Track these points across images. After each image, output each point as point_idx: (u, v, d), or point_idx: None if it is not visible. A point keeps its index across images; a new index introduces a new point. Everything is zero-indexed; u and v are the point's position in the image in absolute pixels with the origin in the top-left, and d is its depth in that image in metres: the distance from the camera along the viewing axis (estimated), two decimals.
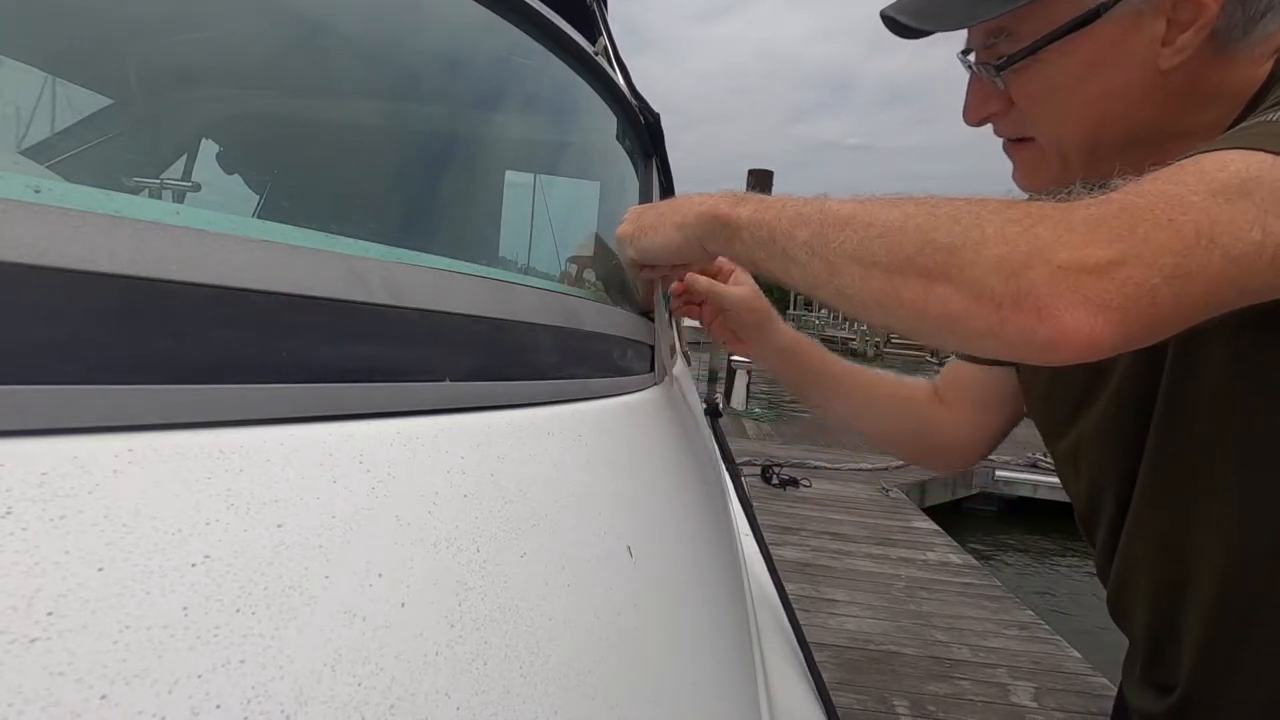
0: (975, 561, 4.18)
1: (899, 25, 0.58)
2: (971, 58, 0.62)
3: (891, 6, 0.59)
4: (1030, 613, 3.47)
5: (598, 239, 0.78)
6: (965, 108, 0.63)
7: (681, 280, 0.77)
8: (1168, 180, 0.41)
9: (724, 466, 1.11)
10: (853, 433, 0.92)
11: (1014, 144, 0.62)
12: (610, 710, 0.33)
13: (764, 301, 0.79)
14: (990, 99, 0.61)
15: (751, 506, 1.15)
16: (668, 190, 1.06)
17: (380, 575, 0.24)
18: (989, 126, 0.63)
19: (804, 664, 0.80)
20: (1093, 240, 0.38)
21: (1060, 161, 0.59)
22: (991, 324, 0.40)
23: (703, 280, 0.76)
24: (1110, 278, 0.38)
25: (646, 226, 0.63)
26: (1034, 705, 2.61)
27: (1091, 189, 0.43)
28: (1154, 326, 0.39)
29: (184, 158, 1.14)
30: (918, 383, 0.88)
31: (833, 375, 0.84)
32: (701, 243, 0.58)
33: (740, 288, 0.77)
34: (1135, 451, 0.62)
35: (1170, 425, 0.58)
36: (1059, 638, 3.19)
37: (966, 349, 0.45)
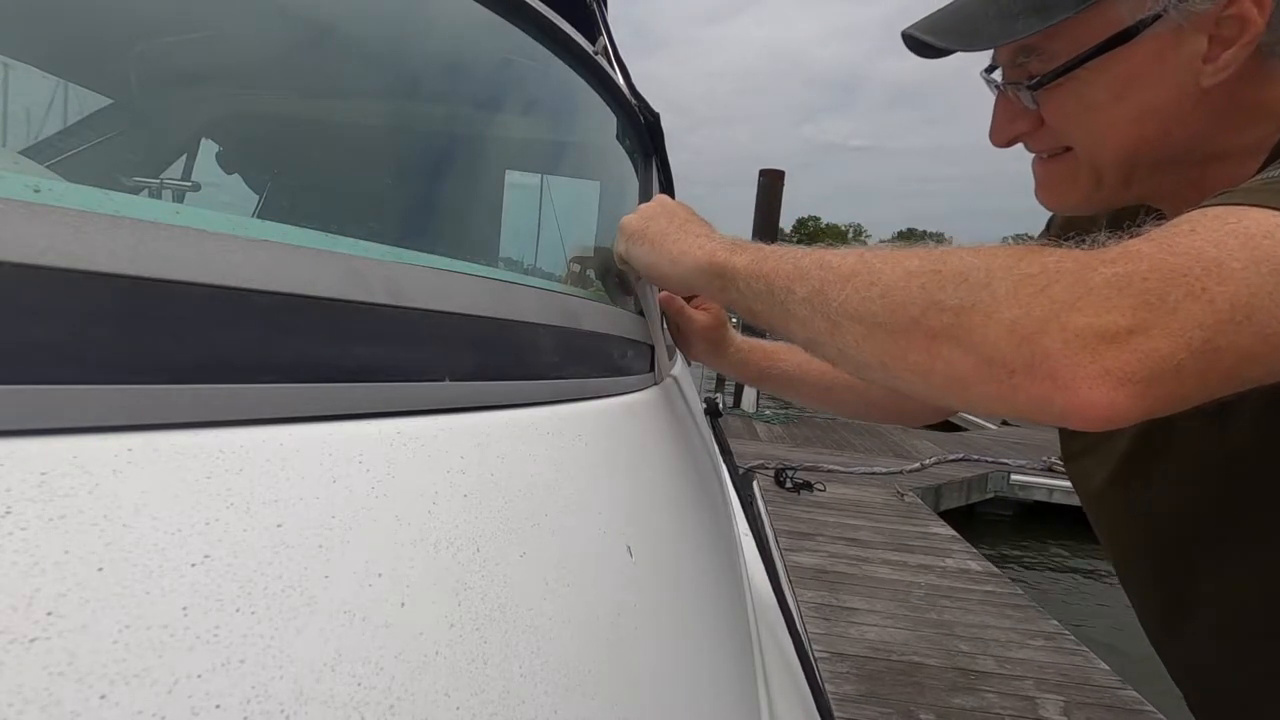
0: (995, 569, 4.13)
1: (923, 45, 0.56)
2: (997, 76, 0.60)
3: (915, 26, 0.57)
4: (1055, 622, 3.41)
5: (599, 240, 0.78)
6: (992, 128, 0.60)
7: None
8: (1206, 238, 0.37)
9: (724, 467, 1.11)
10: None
11: (1045, 161, 0.60)
12: (610, 710, 0.33)
13: (722, 330, 0.83)
14: (1019, 119, 0.58)
15: (755, 505, 1.15)
16: (668, 190, 1.06)
17: (380, 575, 0.24)
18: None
19: (802, 665, 0.80)
20: (1115, 305, 0.35)
21: (1094, 179, 0.57)
22: (1002, 390, 0.38)
23: (675, 302, 0.80)
24: (1132, 349, 0.35)
25: (650, 237, 0.60)
26: None
27: (1119, 235, 0.40)
28: (1176, 402, 0.36)
29: (184, 158, 1.14)
30: None
31: (783, 371, 0.87)
32: (688, 285, 0.57)
33: (704, 315, 0.81)
34: (1137, 480, 0.62)
35: (1181, 480, 0.58)
36: (1085, 649, 3.13)
37: (974, 412, 0.44)
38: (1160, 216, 0.64)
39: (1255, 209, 0.38)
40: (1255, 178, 0.44)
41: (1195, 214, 0.40)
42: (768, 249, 0.52)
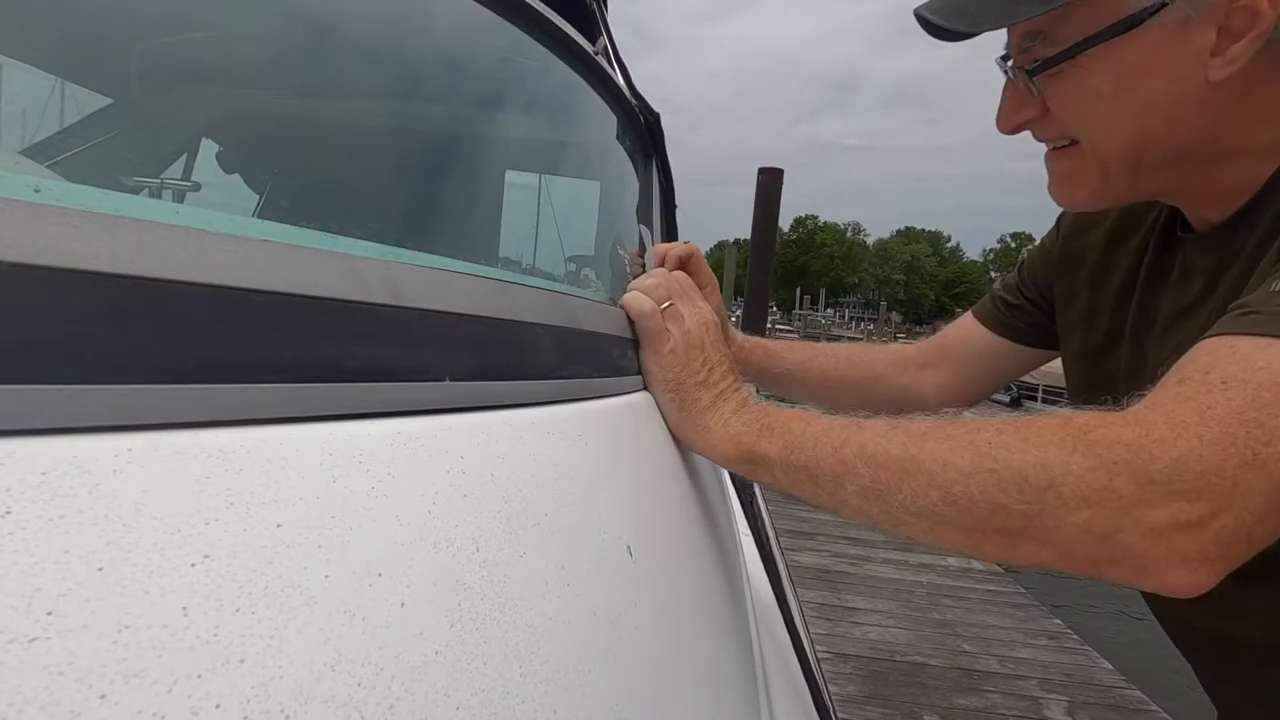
0: (997, 567, 4.13)
1: (934, 26, 0.55)
2: (1009, 63, 0.59)
3: (925, 6, 0.56)
4: (1058, 621, 3.42)
5: (599, 240, 0.78)
6: (999, 114, 0.60)
7: None
8: (1240, 395, 0.38)
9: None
10: None
11: (1055, 153, 0.59)
12: (610, 710, 0.33)
13: (722, 328, 0.83)
14: (1025, 105, 0.58)
15: (755, 505, 1.15)
16: (668, 190, 1.06)
17: (380, 575, 0.24)
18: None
19: (801, 665, 0.80)
20: (1180, 492, 0.38)
21: (1101, 174, 0.56)
22: (1087, 572, 0.41)
23: None
24: (1206, 531, 0.38)
25: (683, 397, 0.56)
26: None
27: (1140, 395, 0.42)
28: (1250, 554, 0.40)
29: (184, 157, 1.14)
30: (885, 353, 0.89)
31: (784, 370, 0.87)
32: (713, 458, 0.56)
33: None
34: None
35: None
36: (1089, 648, 3.14)
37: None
38: (1174, 213, 0.63)
39: (1276, 341, 0.40)
40: (1265, 289, 0.44)
41: (1223, 353, 0.41)
42: (794, 428, 0.51)
